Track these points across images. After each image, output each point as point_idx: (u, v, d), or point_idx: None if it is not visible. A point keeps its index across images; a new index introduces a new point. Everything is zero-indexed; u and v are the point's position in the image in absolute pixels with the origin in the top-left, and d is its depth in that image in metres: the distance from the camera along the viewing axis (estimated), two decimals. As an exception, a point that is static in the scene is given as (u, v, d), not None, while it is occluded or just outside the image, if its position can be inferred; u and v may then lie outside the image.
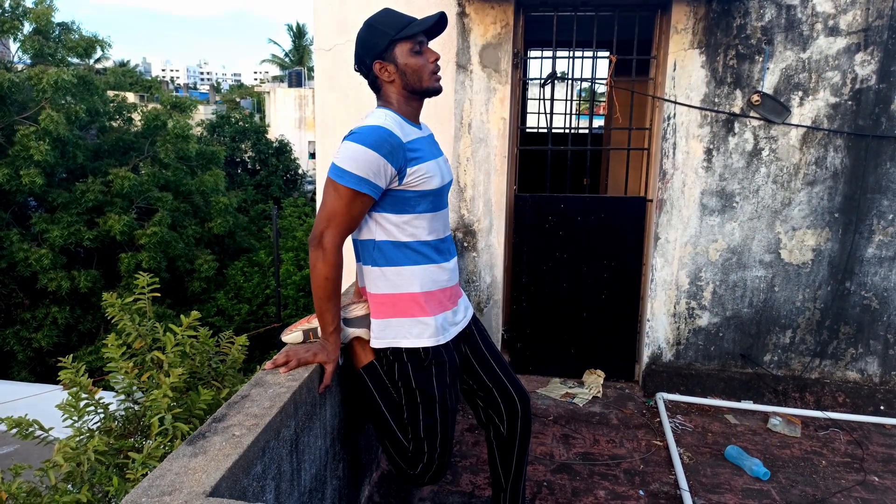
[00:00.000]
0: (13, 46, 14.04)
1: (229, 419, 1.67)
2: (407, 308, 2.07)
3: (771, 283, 3.94)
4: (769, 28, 3.71)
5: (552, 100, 4.47)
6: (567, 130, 4.70)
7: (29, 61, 14.06)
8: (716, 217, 3.92)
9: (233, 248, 16.93)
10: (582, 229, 4.11)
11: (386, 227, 2.03)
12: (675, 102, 3.84)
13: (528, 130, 6.96)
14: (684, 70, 3.81)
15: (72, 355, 3.80)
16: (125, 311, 4.40)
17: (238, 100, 48.20)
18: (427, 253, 2.08)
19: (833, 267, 3.87)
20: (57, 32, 14.19)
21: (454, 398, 2.17)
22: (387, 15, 2.03)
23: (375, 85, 2.07)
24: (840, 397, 3.95)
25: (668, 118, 3.86)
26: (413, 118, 2.09)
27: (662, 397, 3.96)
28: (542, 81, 4.04)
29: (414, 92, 2.04)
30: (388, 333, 2.08)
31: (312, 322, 2.18)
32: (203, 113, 33.11)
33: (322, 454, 2.09)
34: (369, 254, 2.08)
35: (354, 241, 2.13)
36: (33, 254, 12.30)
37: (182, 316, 4.32)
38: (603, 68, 4.75)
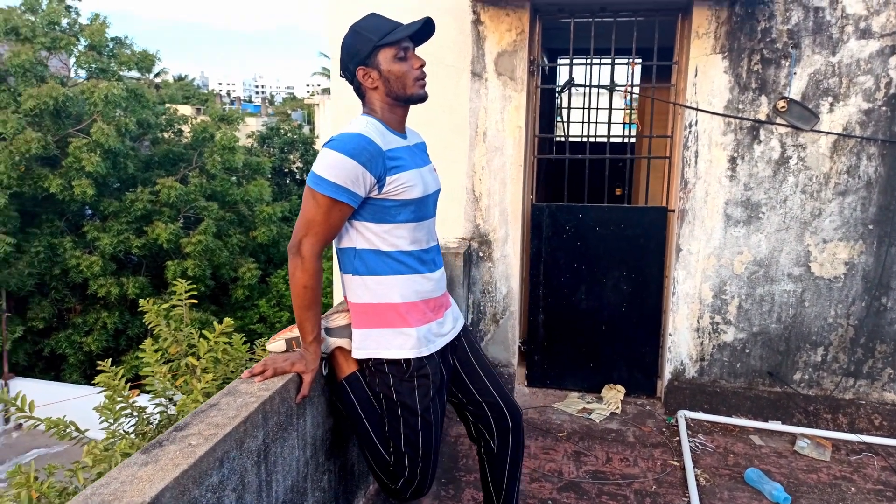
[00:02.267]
0: (70, 62, 14.64)
1: (191, 428, 1.65)
2: (388, 318, 2.03)
3: (801, 298, 3.75)
4: (796, 31, 3.55)
5: (569, 108, 4.38)
6: (584, 139, 4.61)
7: (84, 76, 14.64)
8: (741, 228, 3.75)
9: (277, 256, 17.20)
10: (601, 240, 4.00)
11: (367, 235, 2.01)
12: (697, 109, 3.70)
13: (557, 139, 6.86)
14: (706, 76, 3.67)
15: (109, 360, 3.90)
16: (162, 317, 4.49)
17: (289, 112, 49.23)
18: (409, 263, 2.05)
19: (867, 281, 3.66)
20: (110, 47, 14.74)
21: (438, 412, 2.12)
22: (372, 20, 2.00)
23: (360, 91, 2.06)
24: (876, 420, 3.72)
25: (690, 126, 3.73)
26: (397, 126, 2.06)
27: (684, 415, 3.80)
28: (559, 89, 3.95)
29: (398, 99, 2.02)
30: (369, 344, 2.05)
31: (295, 331, 2.15)
32: (254, 125, 33.98)
33: (300, 465, 2.06)
34: (350, 262, 2.05)
35: (336, 250, 2.10)
36: (85, 260, 12.74)
37: (215, 322, 4.37)
38: (627, 75, 4.64)
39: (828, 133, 3.59)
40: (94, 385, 4.35)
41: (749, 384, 3.87)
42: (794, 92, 3.60)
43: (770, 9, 3.57)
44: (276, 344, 2.17)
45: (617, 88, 4.18)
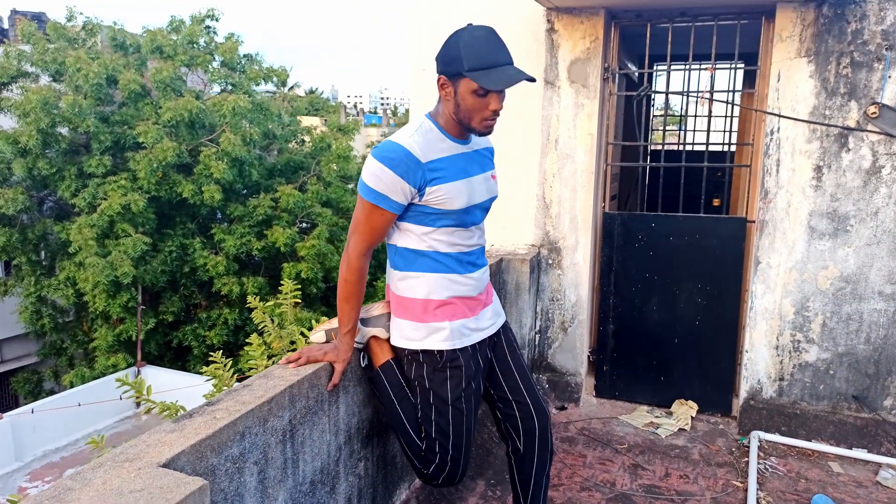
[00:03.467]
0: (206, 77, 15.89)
1: (220, 404, 1.83)
2: (423, 312, 2.14)
3: (893, 318, 3.48)
4: (891, 32, 3.32)
5: (647, 115, 4.30)
6: (679, 147, 4.49)
7: (217, 90, 15.85)
8: (826, 241, 3.54)
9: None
10: (674, 250, 3.90)
11: (406, 234, 2.11)
12: (780, 116, 3.54)
13: (653, 147, 6.70)
14: (790, 81, 3.51)
15: (220, 352, 4.27)
16: (269, 315, 4.86)
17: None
18: (447, 263, 2.12)
19: (972, 302, 3.34)
20: (242, 64, 15.87)
21: (472, 403, 2.18)
22: (475, 43, 1.89)
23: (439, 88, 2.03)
24: (980, 455, 3.39)
25: (771, 133, 3.57)
26: (458, 133, 2.06)
27: (758, 436, 3.62)
28: (636, 97, 3.90)
29: (461, 123, 2.02)
30: (406, 334, 2.16)
31: (334, 323, 2.30)
32: (375, 135, 35.36)
33: (331, 449, 2.20)
34: (392, 257, 2.19)
35: (386, 245, 2.22)
36: (211, 260, 13.75)
37: (314, 321, 4.65)
38: (730, 82, 4.49)
39: (926, 141, 3.32)
40: (201, 374, 4.72)
41: (833, 408, 3.63)
42: (888, 97, 3.36)
43: (862, 9, 3.36)
44: (317, 335, 2.33)
45: (693, 94, 4.07)
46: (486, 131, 2.01)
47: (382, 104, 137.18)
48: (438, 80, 1.97)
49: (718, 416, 3.93)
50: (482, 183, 2.13)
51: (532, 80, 1.88)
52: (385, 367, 2.25)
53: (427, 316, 2.12)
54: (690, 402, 3.95)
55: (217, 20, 15.33)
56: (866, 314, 3.52)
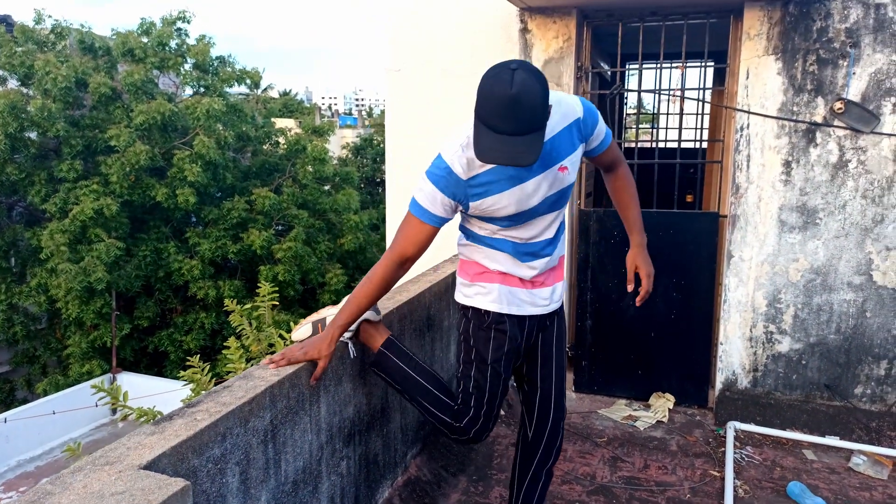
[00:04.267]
0: (177, 80, 15.73)
1: (201, 405, 1.82)
2: (473, 273, 2.21)
3: (862, 308, 3.57)
4: (855, 30, 3.41)
5: (620, 114, 4.36)
6: (652, 144, 4.56)
7: (190, 93, 15.70)
8: (796, 234, 3.62)
9: (364, 263, 17.70)
10: (650, 246, 3.94)
11: (469, 220, 2.16)
12: (749, 112, 3.61)
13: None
14: (758, 78, 3.58)
15: (198, 356, 4.24)
16: (246, 318, 4.82)
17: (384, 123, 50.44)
18: (499, 246, 2.14)
19: (936, 292, 3.44)
20: (214, 66, 15.74)
21: (507, 368, 2.23)
22: (486, 103, 1.72)
23: None
24: (947, 440, 3.48)
25: (741, 129, 3.64)
26: None
27: (734, 426, 3.69)
28: (609, 95, 3.96)
29: None
30: (460, 290, 2.27)
31: (322, 313, 2.32)
32: (350, 136, 35.14)
33: (313, 449, 2.20)
34: (462, 229, 2.24)
35: None
36: (186, 264, 13.63)
37: (292, 323, 4.63)
38: (701, 80, 4.57)
39: (890, 135, 3.41)
40: (178, 379, 4.65)
41: (806, 397, 3.71)
42: (853, 93, 3.45)
43: (826, 7, 3.44)
44: (301, 330, 2.33)
45: (665, 92, 4.14)
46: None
47: (357, 105, 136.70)
48: None
49: (695, 407, 3.99)
50: (540, 183, 1.98)
51: (525, 163, 1.71)
52: (386, 343, 2.29)
53: (478, 277, 2.19)
54: (668, 395, 4.01)
55: (188, 22, 15.20)
56: (836, 305, 3.61)
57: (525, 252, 2.12)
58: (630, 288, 2.47)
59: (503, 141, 1.70)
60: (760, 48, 3.56)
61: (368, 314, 2.30)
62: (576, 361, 4.20)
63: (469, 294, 2.22)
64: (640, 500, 3.01)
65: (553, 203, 2.06)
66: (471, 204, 1.99)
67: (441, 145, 1.99)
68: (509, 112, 1.68)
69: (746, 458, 3.42)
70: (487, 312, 2.18)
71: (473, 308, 2.21)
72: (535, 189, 1.98)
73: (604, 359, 4.14)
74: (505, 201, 1.97)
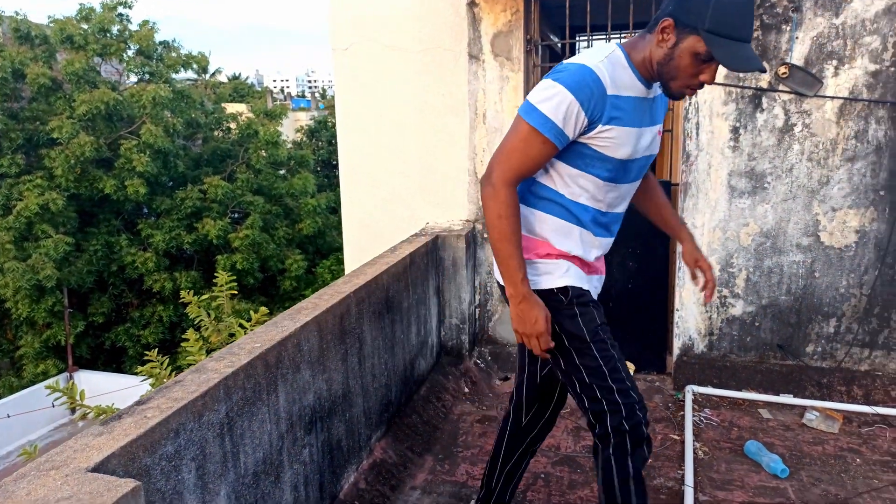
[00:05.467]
0: (121, 67, 15.22)
1: (151, 402, 1.77)
2: (543, 250, 1.93)
3: (810, 269, 3.66)
4: (796, -6, 3.45)
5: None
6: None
7: (135, 80, 15.22)
8: (746, 199, 3.68)
9: (323, 247, 17.56)
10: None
11: (550, 171, 1.87)
12: (697, 80, 3.63)
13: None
14: (704, 45, 3.60)
15: (156, 350, 4.13)
16: (204, 309, 4.70)
17: (338, 104, 49.61)
18: (580, 216, 1.89)
19: (880, 249, 3.54)
20: (159, 51, 15.27)
21: (610, 336, 1.95)
22: (734, 9, 1.60)
23: (650, 30, 1.75)
24: (893, 391, 3.61)
25: (689, 97, 3.67)
26: (647, 75, 1.78)
27: (692, 390, 3.77)
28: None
29: (657, 76, 1.76)
30: (530, 272, 1.91)
31: None
32: (304, 119, 34.56)
33: (273, 439, 2.16)
34: (525, 192, 1.94)
35: None
36: (140, 257, 13.32)
37: (252, 312, 4.55)
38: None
39: (833, 98, 3.48)
40: (137, 375, 4.54)
41: (760, 358, 3.81)
42: (797, 57, 3.50)
43: (768, -28, 3.47)
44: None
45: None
46: (679, 97, 1.78)
47: (311, 88, 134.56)
48: (663, 21, 1.67)
49: (654, 374, 4.06)
50: (649, 136, 1.88)
51: (763, 70, 1.68)
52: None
53: (548, 253, 1.92)
54: (628, 363, 4.06)
55: (130, 7, 14.72)
56: (786, 266, 3.69)
57: (601, 223, 1.93)
58: (698, 284, 2.27)
59: (746, 48, 1.62)
60: (705, 16, 3.57)
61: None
62: (537, 335, 4.23)
63: (543, 274, 1.90)
64: (604, 468, 3.05)
65: (641, 168, 1.92)
66: (601, 127, 1.73)
67: (566, 65, 1.72)
68: (752, 10, 1.62)
69: (705, 421, 3.50)
70: (565, 289, 1.88)
71: (548, 291, 1.88)
72: (644, 139, 1.85)
73: (564, 331, 4.17)
74: (626, 137, 1.78)
